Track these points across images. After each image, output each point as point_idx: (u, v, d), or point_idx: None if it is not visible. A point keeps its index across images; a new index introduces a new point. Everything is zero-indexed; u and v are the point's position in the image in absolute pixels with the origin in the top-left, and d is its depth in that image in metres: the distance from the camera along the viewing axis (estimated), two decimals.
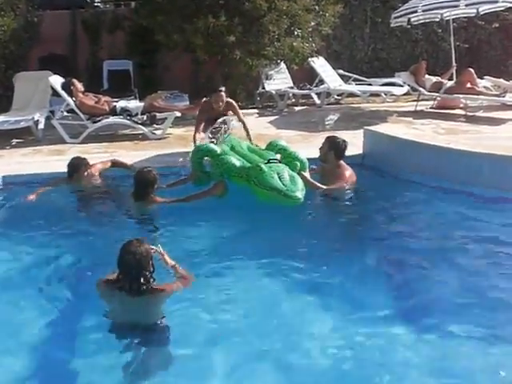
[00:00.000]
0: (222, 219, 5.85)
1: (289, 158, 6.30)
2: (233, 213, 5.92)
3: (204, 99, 8.14)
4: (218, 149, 6.43)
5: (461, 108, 11.11)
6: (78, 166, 6.77)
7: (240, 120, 7.94)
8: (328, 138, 6.68)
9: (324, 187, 6.25)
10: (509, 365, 3.64)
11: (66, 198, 6.67)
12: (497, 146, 7.46)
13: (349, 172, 6.45)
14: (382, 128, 9.08)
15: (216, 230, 5.72)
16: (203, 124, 7.81)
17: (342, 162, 6.51)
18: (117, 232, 5.58)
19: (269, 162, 6.06)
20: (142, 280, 3.72)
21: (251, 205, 5.92)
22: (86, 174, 6.76)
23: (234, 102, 8.04)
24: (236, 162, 6.16)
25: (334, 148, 6.49)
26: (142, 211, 6.03)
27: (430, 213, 6.04)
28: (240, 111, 8.09)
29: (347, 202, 6.32)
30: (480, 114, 10.75)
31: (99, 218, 6.21)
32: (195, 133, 7.70)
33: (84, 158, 6.92)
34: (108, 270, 4.64)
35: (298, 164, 6.23)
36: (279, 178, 5.78)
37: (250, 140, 7.70)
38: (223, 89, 7.86)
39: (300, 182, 5.87)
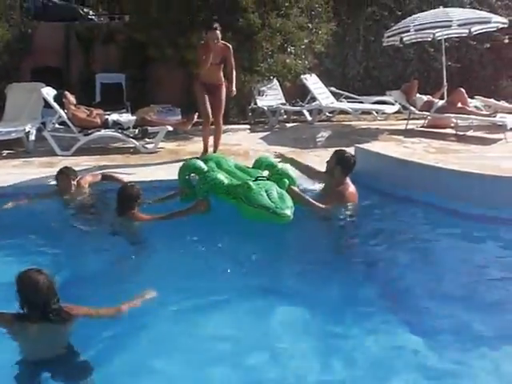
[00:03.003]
0: (207, 236, 5.77)
1: (277, 175, 6.21)
2: (218, 230, 5.85)
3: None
4: (204, 166, 6.42)
5: (451, 127, 11.18)
6: (60, 173, 6.83)
7: (230, 67, 8.50)
8: (336, 151, 6.47)
9: (319, 205, 6.12)
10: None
11: (52, 210, 6.64)
12: (486, 165, 7.52)
13: (350, 191, 6.26)
14: (373, 146, 9.15)
15: (199, 247, 5.63)
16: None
17: (347, 179, 6.32)
18: (97, 247, 5.64)
19: (257, 179, 6.04)
20: (52, 306, 3.56)
21: (238, 222, 5.90)
22: (71, 184, 6.78)
23: (231, 48, 8.47)
24: (223, 179, 6.14)
25: (342, 163, 6.30)
26: (124, 227, 5.99)
27: (419, 231, 6.04)
28: (233, 60, 8.53)
29: (339, 220, 6.22)
30: (470, 133, 10.82)
31: (82, 231, 6.14)
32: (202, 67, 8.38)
33: (70, 168, 6.95)
34: (84, 286, 4.74)
35: (287, 181, 6.20)
36: (268, 195, 5.74)
37: (232, 86, 8.48)
38: (217, 25, 8.16)
39: (289, 199, 5.79)
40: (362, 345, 4.05)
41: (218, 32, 8.16)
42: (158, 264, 5.36)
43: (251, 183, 5.81)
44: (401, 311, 4.52)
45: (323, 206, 6.10)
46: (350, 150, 7.48)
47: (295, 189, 6.21)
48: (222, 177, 6.16)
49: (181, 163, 6.72)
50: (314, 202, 6.13)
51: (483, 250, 5.59)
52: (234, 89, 8.59)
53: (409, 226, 6.22)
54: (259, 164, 6.57)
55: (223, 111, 8.70)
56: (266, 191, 5.77)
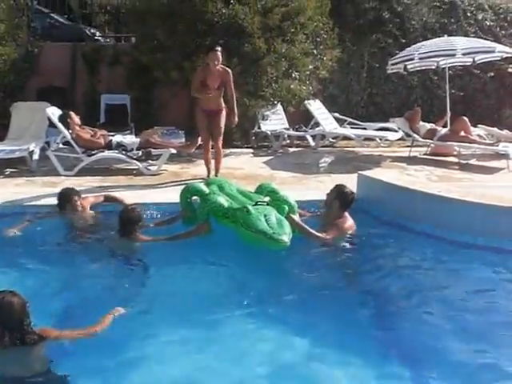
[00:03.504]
0: (208, 259, 5.82)
1: (277, 201, 6.22)
2: (219, 253, 5.88)
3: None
4: (206, 189, 6.44)
5: (454, 155, 11.17)
6: (68, 195, 6.85)
7: (230, 93, 8.44)
8: (337, 186, 6.51)
9: (316, 233, 6.14)
10: None
11: (54, 231, 6.63)
12: (488, 194, 7.51)
13: (349, 224, 6.31)
14: (376, 173, 9.15)
15: (200, 270, 5.66)
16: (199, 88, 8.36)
17: (346, 213, 6.37)
18: (99, 269, 5.67)
19: (256, 204, 6.04)
20: (25, 328, 3.62)
21: (238, 246, 5.90)
22: (77, 203, 6.79)
23: (230, 73, 8.38)
24: (224, 202, 6.15)
25: (340, 198, 6.36)
26: (126, 249, 6.03)
27: (420, 261, 6.00)
28: (232, 85, 8.45)
29: (338, 250, 6.18)
30: (473, 162, 10.82)
31: (83, 253, 6.15)
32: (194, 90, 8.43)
33: (73, 189, 6.96)
34: (83, 307, 4.80)
35: (287, 207, 6.17)
36: (266, 220, 5.72)
37: (234, 116, 8.44)
38: (219, 48, 8.13)
39: (287, 225, 5.79)
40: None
41: (219, 54, 8.14)
42: (157, 286, 5.37)
43: (250, 207, 5.82)
44: (396, 344, 4.50)
45: (321, 235, 6.11)
46: (353, 177, 7.54)
47: (294, 217, 6.21)
48: (222, 200, 6.17)
49: (183, 186, 6.75)
50: (312, 230, 6.15)
51: (490, 282, 5.53)
52: (236, 119, 8.61)
53: (407, 255, 6.22)
54: (261, 190, 6.58)
55: (223, 135, 8.69)
56: (265, 216, 5.77)
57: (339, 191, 6.42)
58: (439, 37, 12.37)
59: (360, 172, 7.78)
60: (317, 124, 12.27)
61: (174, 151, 9.51)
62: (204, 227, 6.11)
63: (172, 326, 4.55)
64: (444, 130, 11.37)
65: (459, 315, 4.88)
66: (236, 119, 8.64)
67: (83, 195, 7.12)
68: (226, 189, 6.67)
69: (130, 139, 9.83)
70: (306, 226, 6.16)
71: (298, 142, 12.85)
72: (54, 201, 6.97)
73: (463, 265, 5.88)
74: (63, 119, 9.51)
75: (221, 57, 8.20)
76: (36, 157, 9.71)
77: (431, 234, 6.43)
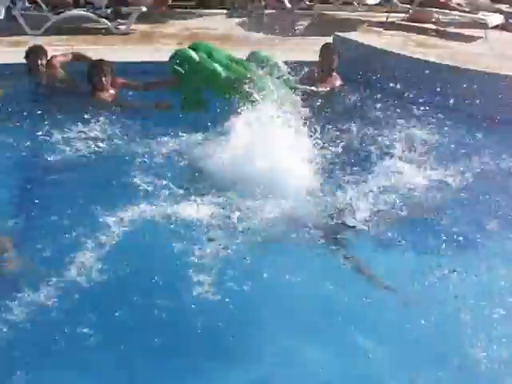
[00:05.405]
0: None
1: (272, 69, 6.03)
2: None
3: None
4: (196, 56, 6.19)
5: (432, 22, 10.97)
6: (30, 51, 6.66)
7: None
8: (326, 46, 6.89)
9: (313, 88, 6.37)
10: None
11: (26, 92, 6.52)
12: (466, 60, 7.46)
13: (337, 81, 6.79)
14: (351, 36, 8.94)
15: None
16: None
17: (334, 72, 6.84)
18: (70, 128, 5.64)
19: None
20: None
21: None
22: (40, 62, 6.61)
23: None
24: (220, 70, 6.03)
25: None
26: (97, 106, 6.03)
27: (398, 122, 6.05)
28: None
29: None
30: (451, 29, 10.63)
31: (58, 113, 6.04)
32: None
33: (40, 46, 6.76)
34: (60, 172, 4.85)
35: (290, 77, 6.10)
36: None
37: None
38: None
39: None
40: None
41: None
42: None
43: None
44: None
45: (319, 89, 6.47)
46: (329, 40, 7.42)
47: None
48: (218, 68, 6.04)
49: (153, 45, 6.56)
50: (310, 87, 6.41)
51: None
52: None
53: (383, 115, 6.22)
54: (254, 57, 6.37)
55: None
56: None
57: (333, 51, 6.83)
58: None
59: (336, 33, 7.62)
60: None
61: (145, 9, 9.16)
62: (175, 81, 6.12)
63: None
64: None
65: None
66: None
67: (52, 54, 6.87)
68: (216, 56, 6.32)
69: None
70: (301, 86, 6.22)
71: (274, 4, 12.43)
72: (20, 60, 6.72)
73: (434, 125, 5.99)
74: None
75: None
76: (1, 16, 9.32)
77: (407, 95, 6.40)
